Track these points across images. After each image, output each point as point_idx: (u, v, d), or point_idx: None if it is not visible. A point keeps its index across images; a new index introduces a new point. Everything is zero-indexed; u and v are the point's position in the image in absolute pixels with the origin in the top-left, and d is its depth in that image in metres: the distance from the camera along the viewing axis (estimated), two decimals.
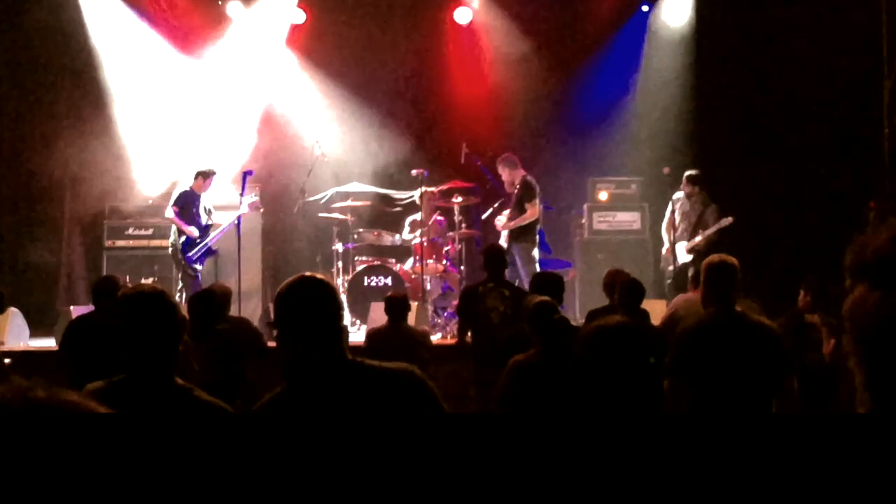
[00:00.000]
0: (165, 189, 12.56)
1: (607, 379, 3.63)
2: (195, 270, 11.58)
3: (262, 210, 12.72)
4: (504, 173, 11.51)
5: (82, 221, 13.32)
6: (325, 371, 3.17)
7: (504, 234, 11.43)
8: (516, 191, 11.35)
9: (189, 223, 11.53)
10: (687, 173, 11.69)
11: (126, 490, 1.64)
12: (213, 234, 11.70)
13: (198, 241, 11.56)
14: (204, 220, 11.71)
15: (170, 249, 11.67)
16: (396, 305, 8.15)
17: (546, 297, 6.15)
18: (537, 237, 11.34)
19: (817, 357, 7.22)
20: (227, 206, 12.07)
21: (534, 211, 11.19)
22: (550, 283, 7.46)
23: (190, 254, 11.52)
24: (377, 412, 2.31)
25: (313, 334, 3.18)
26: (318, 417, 2.31)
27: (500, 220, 11.47)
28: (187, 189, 11.67)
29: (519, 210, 11.26)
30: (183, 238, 11.50)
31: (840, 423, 2.06)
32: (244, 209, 11.55)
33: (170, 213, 11.56)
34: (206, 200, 11.84)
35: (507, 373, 5.74)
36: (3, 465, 1.52)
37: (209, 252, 11.72)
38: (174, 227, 11.57)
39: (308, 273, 3.32)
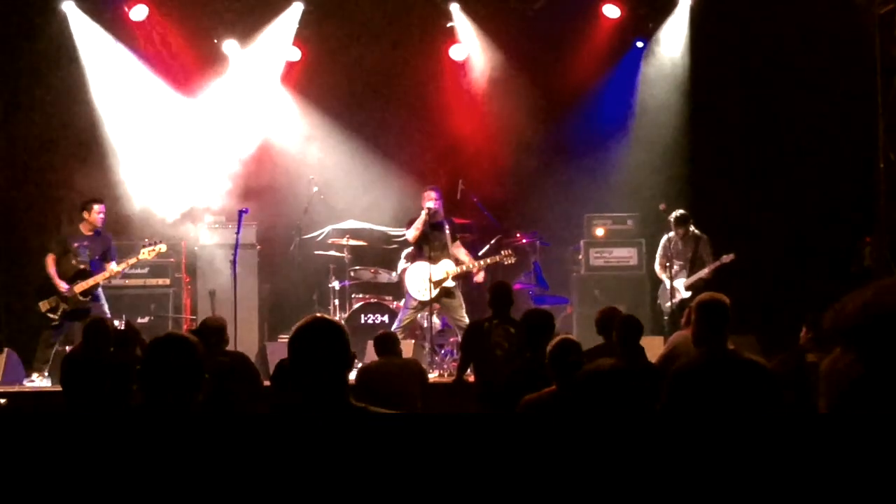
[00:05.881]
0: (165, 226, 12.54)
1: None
2: (51, 321, 10.88)
3: (258, 248, 12.66)
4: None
5: None
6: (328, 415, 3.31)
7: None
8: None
9: (62, 271, 10.95)
10: (674, 216, 11.67)
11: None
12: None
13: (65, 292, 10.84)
14: (89, 265, 11.03)
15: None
16: (385, 341, 8.10)
17: (567, 336, 6.12)
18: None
19: None
20: (223, 245, 12.15)
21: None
22: (540, 320, 7.33)
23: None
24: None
25: (321, 376, 3.36)
26: None
27: None
28: (72, 228, 11.26)
29: None
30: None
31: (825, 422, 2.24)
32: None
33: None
34: (101, 241, 11.22)
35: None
36: None
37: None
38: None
39: (320, 314, 3.55)
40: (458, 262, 11.21)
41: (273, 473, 2.43)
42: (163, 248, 11.30)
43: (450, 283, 11.06)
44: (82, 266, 11.00)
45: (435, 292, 10.90)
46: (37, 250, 11.72)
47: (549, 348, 5.82)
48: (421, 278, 10.99)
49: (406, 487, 2.33)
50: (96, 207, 11.16)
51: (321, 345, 3.37)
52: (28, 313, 11.63)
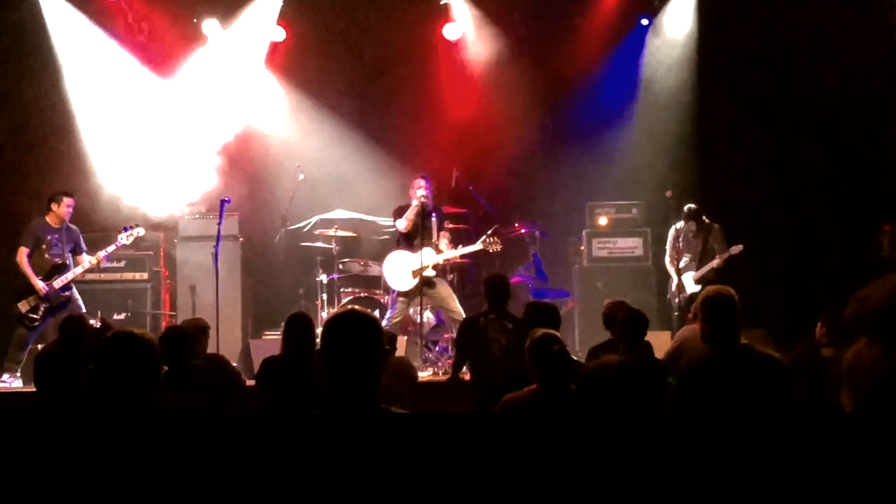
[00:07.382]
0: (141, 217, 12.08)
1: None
2: (32, 321, 10.48)
3: (241, 239, 12.33)
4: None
5: None
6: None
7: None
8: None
9: (36, 267, 10.51)
10: (685, 209, 11.34)
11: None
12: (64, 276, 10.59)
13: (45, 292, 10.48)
14: (65, 259, 10.67)
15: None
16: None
17: (549, 330, 5.86)
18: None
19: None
20: (204, 237, 11.81)
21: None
22: (544, 315, 7.14)
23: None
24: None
25: (346, 371, 3.34)
26: None
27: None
28: (40, 221, 10.74)
29: None
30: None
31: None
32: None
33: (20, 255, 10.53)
34: (70, 234, 10.84)
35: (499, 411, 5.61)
36: None
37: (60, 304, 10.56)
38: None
39: (354, 307, 3.52)
40: (438, 251, 10.86)
41: (251, 474, 2.43)
42: (141, 231, 10.98)
43: (429, 273, 10.71)
44: (57, 260, 10.66)
45: (415, 282, 10.62)
46: (3, 243, 11.29)
47: (527, 344, 5.65)
48: (397, 268, 10.75)
49: (399, 490, 2.31)
50: (66, 200, 10.79)
51: (348, 339, 3.37)
52: None
